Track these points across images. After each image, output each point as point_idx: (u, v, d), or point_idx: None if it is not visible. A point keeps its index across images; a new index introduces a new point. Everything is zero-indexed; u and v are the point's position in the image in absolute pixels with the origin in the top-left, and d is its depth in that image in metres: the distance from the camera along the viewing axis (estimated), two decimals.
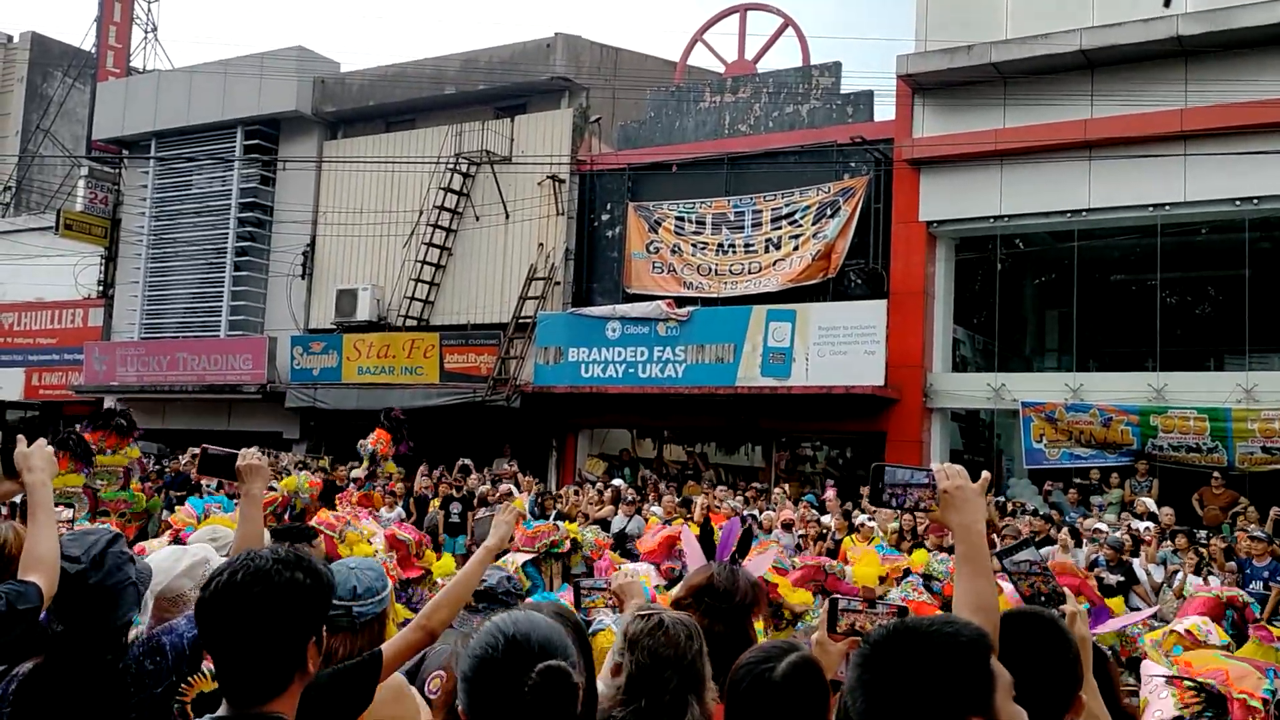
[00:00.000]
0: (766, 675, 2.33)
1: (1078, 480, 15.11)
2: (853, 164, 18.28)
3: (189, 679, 2.76)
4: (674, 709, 2.19)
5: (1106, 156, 15.90)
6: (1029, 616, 2.43)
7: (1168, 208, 15.82)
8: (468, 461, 17.13)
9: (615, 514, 14.37)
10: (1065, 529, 11.89)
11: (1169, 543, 11.47)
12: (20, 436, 2.78)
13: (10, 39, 31.32)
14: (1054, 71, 16.20)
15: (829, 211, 18.22)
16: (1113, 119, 15.76)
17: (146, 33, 30.14)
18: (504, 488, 15.10)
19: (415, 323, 21.81)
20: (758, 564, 3.36)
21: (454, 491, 15.12)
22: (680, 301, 18.90)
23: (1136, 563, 11.33)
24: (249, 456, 3.22)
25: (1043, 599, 2.35)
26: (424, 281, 21.90)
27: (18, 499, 3.23)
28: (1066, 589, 2.65)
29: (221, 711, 2.03)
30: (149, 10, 30.27)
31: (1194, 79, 15.36)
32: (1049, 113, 16.17)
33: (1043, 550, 11.24)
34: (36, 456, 2.75)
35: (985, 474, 2.52)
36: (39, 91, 30.72)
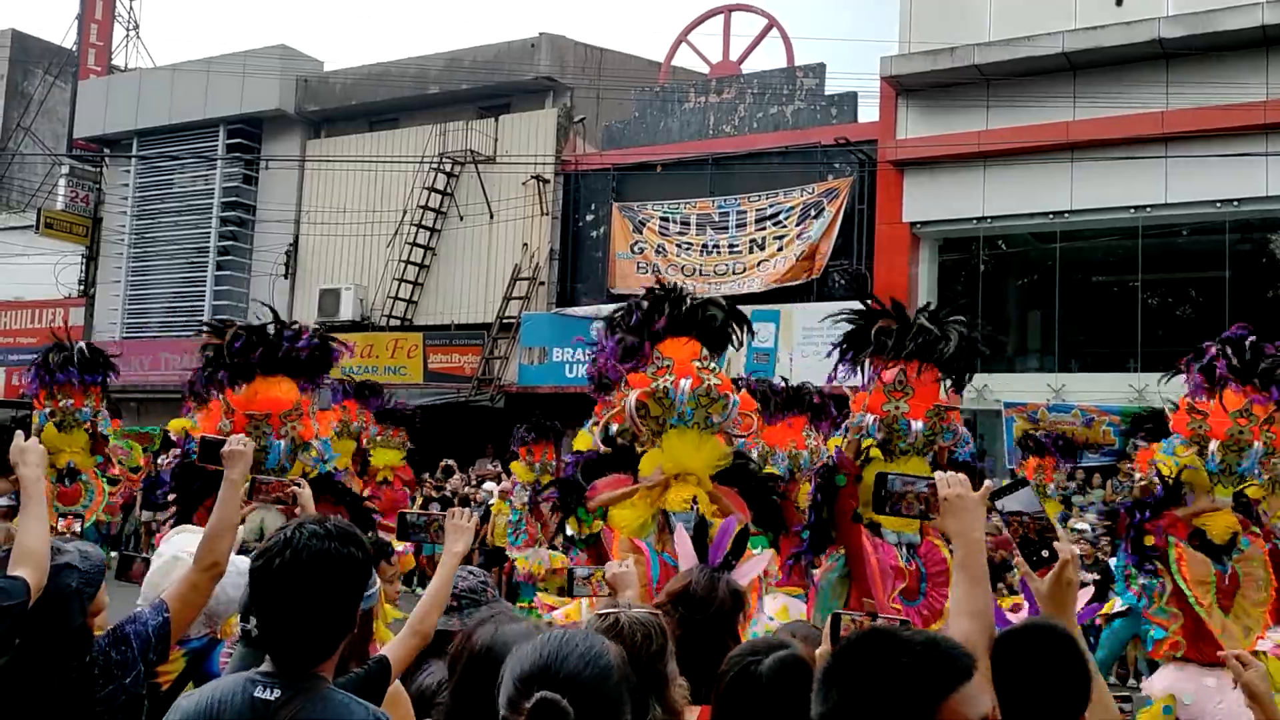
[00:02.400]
0: (752, 670, 2.34)
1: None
2: (837, 165, 18.33)
3: (157, 668, 2.82)
4: (632, 709, 2.19)
5: (1088, 158, 15.99)
6: (1041, 630, 2.44)
7: (1149, 210, 15.92)
8: (451, 462, 17.09)
9: None
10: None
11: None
12: (19, 432, 2.84)
13: None
14: (1037, 74, 16.29)
15: (813, 212, 18.27)
16: (1095, 121, 15.86)
17: (128, 30, 29.96)
18: (487, 486, 15.08)
19: (399, 323, 21.75)
20: (749, 568, 3.33)
21: (434, 492, 15.08)
22: None
23: (1114, 562, 11.37)
24: (234, 442, 3.30)
25: (1034, 541, 2.34)
26: (408, 281, 21.84)
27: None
28: (1057, 527, 2.64)
29: (267, 667, 2.15)
30: (130, 8, 30.12)
31: (1175, 82, 15.47)
32: (1032, 114, 16.25)
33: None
34: (31, 452, 2.81)
35: (987, 483, 2.54)
36: (19, 89, 30.49)
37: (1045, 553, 2.31)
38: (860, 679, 1.61)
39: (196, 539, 3.27)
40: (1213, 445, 5.26)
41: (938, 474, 2.53)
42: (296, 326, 5.32)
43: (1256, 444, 5.22)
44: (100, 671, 2.68)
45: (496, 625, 2.50)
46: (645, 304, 5.59)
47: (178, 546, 3.30)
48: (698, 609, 2.78)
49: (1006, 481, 2.54)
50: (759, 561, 3.52)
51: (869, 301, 5.10)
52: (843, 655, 1.65)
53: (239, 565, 3.24)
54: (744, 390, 6.27)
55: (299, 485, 4.44)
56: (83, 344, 8.37)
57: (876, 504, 2.65)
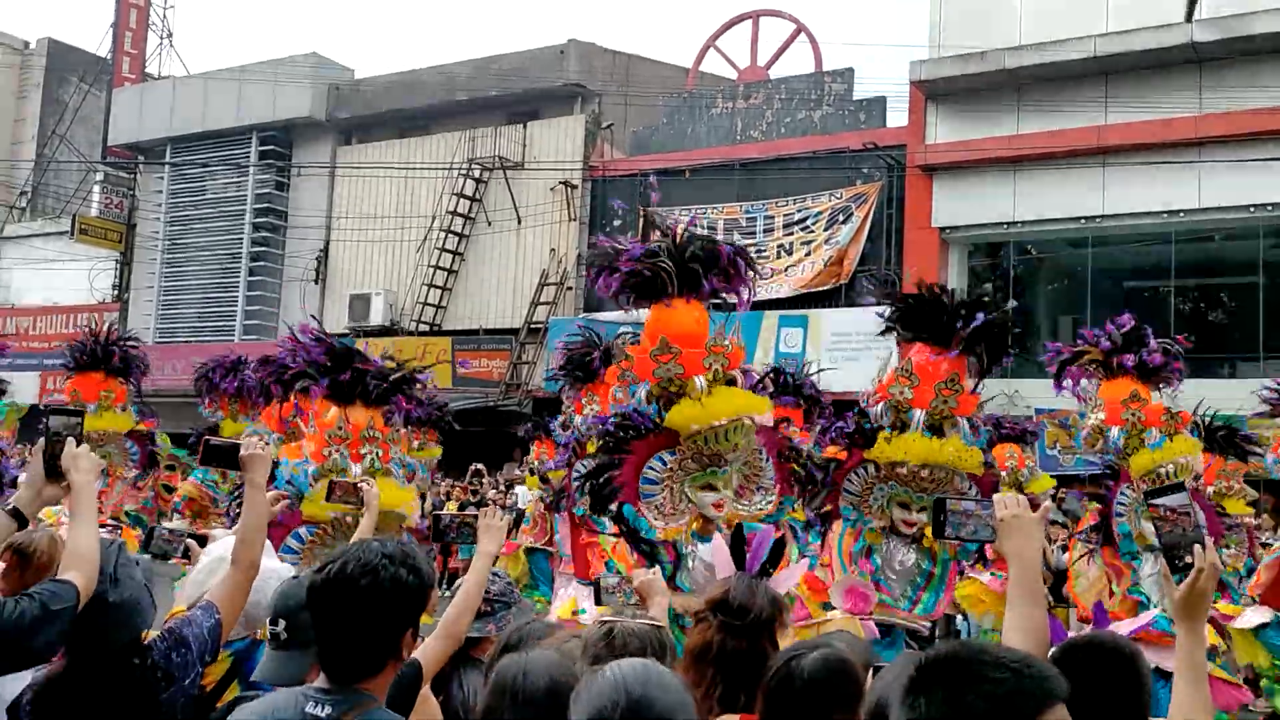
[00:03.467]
0: (794, 669, 2.36)
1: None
2: (865, 170, 18.27)
3: (204, 668, 2.86)
4: None
5: (1121, 163, 15.87)
6: (1096, 646, 2.43)
7: (1182, 214, 15.78)
8: (480, 466, 17.16)
9: None
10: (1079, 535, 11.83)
11: None
12: (70, 439, 2.86)
13: (28, 45, 31.53)
14: (1068, 78, 16.19)
15: (841, 217, 18.22)
16: (1127, 125, 15.73)
17: (162, 39, 30.31)
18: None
19: (428, 327, 21.86)
20: (787, 577, 3.31)
21: (470, 497, 15.12)
22: None
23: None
24: (252, 446, 3.30)
25: (1179, 540, 2.30)
26: (436, 286, 21.96)
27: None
28: (1205, 531, 2.60)
29: (320, 683, 2.20)
30: (164, 17, 30.45)
31: (1208, 86, 15.33)
32: (1063, 119, 16.14)
33: (1064, 556, 11.21)
34: (83, 458, 2.84)
35: (1046, 503, 2.58)
36: (55, 97, 30.92)
37: (1189, 558, 2.27)
38: (951, 692, 1.59)
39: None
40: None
41: (996, 495, 2.54)
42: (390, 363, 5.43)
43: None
44: (162, 675, 2.73)
45: (525, 650, 2.50)
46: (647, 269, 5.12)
47: (224, 548, 3.33)
48: (736, 616, 2.78)
49: (1162, 485, 2.53)
50: (796, 570, 3.50)
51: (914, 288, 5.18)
52: (933, 666, 1.64)
53: (279, 571, 3.27)
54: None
55: (368, 484, 4.50)
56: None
57: (936, 529, 2.67)
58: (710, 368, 4.72)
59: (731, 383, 4.82)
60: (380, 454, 5.17)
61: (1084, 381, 6.33)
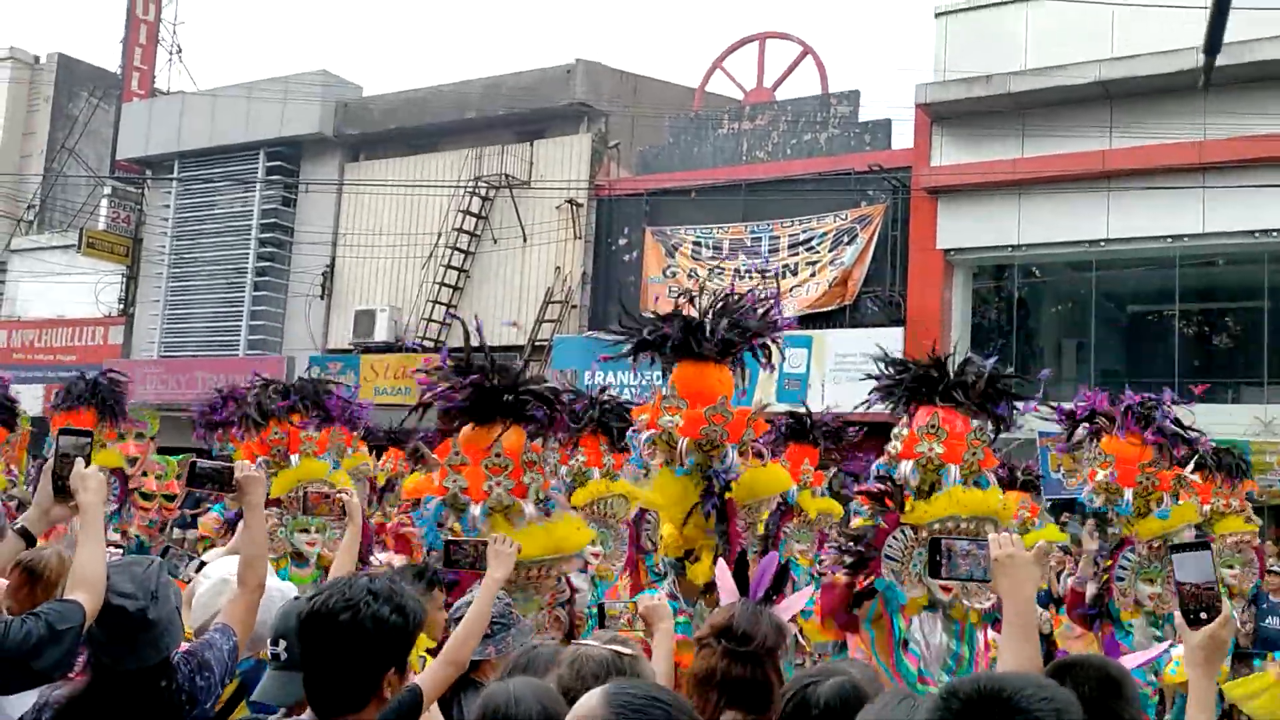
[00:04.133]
0: (810, 696, 2.37)
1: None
2: (870, 192, 18.33)
3: (223, 690, 2.88)
4: None
5: (1125, 187, 15.91)
6: (1085, 667, 2.44)
7: (1186, 239, 15.81)
8: None
9: None
10: (1082, 559, 11.78)
11: None
12: (80, 460, 2.88)
13: (38, 60, 31.67)
14: (1072, 102, 16.24)
15: (846, 238, 18.27)
16: (1131, 150, 15.78)
17: (171, 55, 30.47)
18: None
19: (432, 344, 21.88)
20: (790, 604, 3.32)
21: None
22: None
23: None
24: (245, 468, 3.27)
25: (1196, 606, 2.31)
26: (441, 303, 22.00)
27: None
28: (1225, 598, 2.61)
29: (306, 716, 2.21)
30: (174, 33, 30.62)
31: (1213, 111, 15.37)
32: (1067, 143, 16.20)
33: (1069, 581, 11.16)
34: (92, 479, 2.86)
35: (1041, 543, 2.59)
36: (64, 111, 31.04)
37: (1204, 615, 2.28)
38: None
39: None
40: None
41: (991, 534, 2.56)
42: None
43: None
44: (186, 698, 2.73)
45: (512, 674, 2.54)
46: (665, 326, 5.50)
47: (225, 569, 3.33)
48: (740, 642, 2.79)
49: (1187, 539, 2.54)
50: (800, 597, 3.51)
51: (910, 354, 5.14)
52: (961, 714, 1.64)
53: (282, 591, 3.28)
54: (759, 418, 6.20)
55: (349, 495, 4.44)
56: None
57: (931, 569, 2.68)
58: (706, 435, 4.97)
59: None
60: (541, 481, 4.58)
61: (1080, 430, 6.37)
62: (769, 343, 5.60)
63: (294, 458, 6.69)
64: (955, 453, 4.74)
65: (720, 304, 5.61)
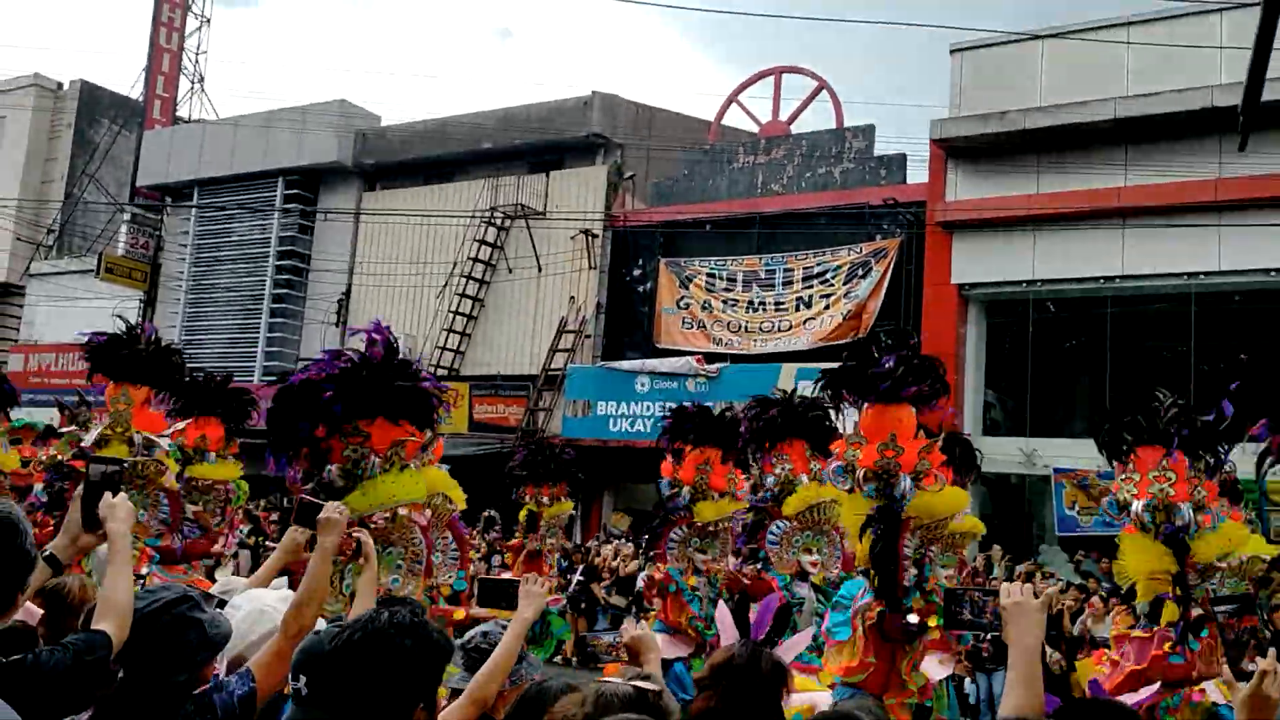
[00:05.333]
0: None
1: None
2: (885, 225, 18.35)
3: None
4: None
5: (1140, 224, 15.89)
6: (1100, 707, 2.45)
7: (1202, 276, 15.76)
8: (493, 513, 17.11)
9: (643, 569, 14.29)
10: (1096, 597, 11.70)
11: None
12: (107, 491, 2.90)
13: (60, 87, 32.06)
14: (1087, 138, 16.26)
15: (860, 272, 18.27)
16: (1147, 187, 15.77)
17: (193, 83, 30.83)
18: (530, 546, 15.03)
19: (446, 372, 21.93)
20: (792, 646, 3.29)
21: (501, 545, 14.99)
22: (710, 358, 18.92)
23: None
24: (331, 510, 3.31)
25: (1242, 645, 2.38)
26: (456, 332, 22.08)
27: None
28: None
29: None
30: (196, 61, 31.00)
31: (1228, 149, 15.35)
32: (1083, 179, 16.20)
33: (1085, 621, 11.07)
34: (120, 508, 2.88)
35: (1049, 590, 2.64)
36: (86, 138, 31.39)
37: (1249, 665, 2.35)
38: None
39: (273, 594, 3.28)
40: None
41: (1002, 584, 2.62)
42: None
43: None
44: None
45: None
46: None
47: (257, 600, 3.29)
48: (740, 682, 2.77)
49: (1229, 592, 2.59)
50: (802, 639, 3.47)
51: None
52: None
53: (259, 599, 3.23)
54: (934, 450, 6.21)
55: (363, 535, 4.24)
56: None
57: (948, 619, 2.71)
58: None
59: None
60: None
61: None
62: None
63: None
64: (870, 457, 4.91)
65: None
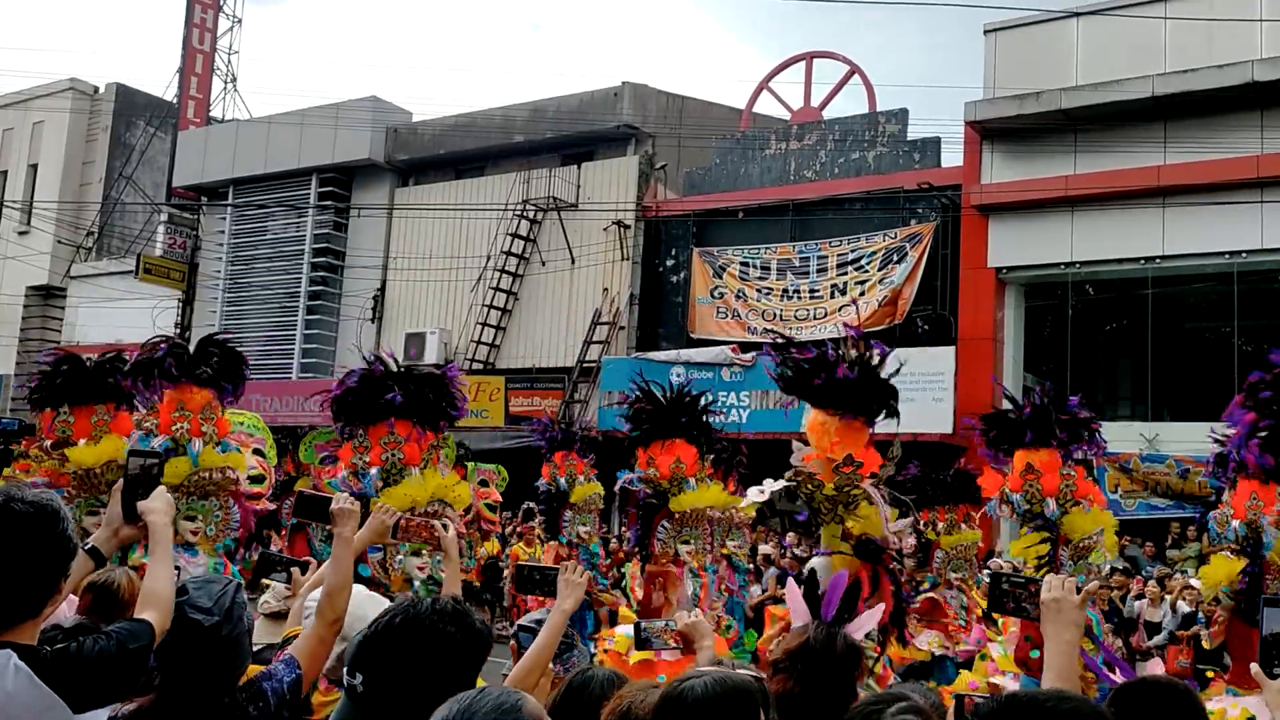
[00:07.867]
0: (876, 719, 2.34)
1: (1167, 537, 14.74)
2: (920, 210, 18.21)
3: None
4: None
5: (1181, 203, 15.67)
6: (1152, 686, 2.43)
7: (1244, 255, 15.53)
8: (532, 505, 17.14)
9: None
10: (1152, 582, 11.57)
11: None
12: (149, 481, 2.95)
13: (97, 90, 32.40)
14: (1125, 117, 16.04)
15: (895, 257, 18.14)
16: (1186, 165, 15.55)
17: (226, 84, 31.07)
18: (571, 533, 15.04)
19: (481, 366, 22.03)
20: (863, 622, 3.25)
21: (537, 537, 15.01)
22: (744, 346, 18.87)
23: None
24: (342, 500, 3.33)
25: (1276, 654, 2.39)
26: (490, 325, 22.15)
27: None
28: None
29: None
30: (229, 62, 31.23)
31: (1269, 125, 15.11)
32: (1120, 159, 15.99)
33: (1136, 604, 10.96)
34: (158, 499, 2.93)
35: (1090, 585, 2.65)
36: (122, 140, 31.70)
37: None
38: None
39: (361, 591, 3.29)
40: None
41: (1048, 576, 2.61)
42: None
43: None
44: None
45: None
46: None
47: (356, 594, 3.31)
48: (817, 664, 2.76)
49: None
50: (872, 615, 3.42)
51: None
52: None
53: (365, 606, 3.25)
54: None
55: (444, 527, 4.28)
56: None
57: (993, 602, 2.73)
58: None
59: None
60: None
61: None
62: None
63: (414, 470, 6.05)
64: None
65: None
